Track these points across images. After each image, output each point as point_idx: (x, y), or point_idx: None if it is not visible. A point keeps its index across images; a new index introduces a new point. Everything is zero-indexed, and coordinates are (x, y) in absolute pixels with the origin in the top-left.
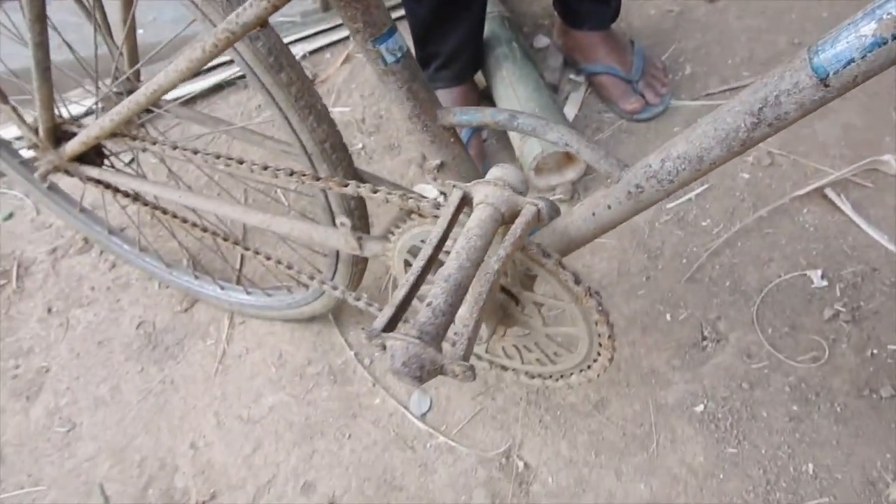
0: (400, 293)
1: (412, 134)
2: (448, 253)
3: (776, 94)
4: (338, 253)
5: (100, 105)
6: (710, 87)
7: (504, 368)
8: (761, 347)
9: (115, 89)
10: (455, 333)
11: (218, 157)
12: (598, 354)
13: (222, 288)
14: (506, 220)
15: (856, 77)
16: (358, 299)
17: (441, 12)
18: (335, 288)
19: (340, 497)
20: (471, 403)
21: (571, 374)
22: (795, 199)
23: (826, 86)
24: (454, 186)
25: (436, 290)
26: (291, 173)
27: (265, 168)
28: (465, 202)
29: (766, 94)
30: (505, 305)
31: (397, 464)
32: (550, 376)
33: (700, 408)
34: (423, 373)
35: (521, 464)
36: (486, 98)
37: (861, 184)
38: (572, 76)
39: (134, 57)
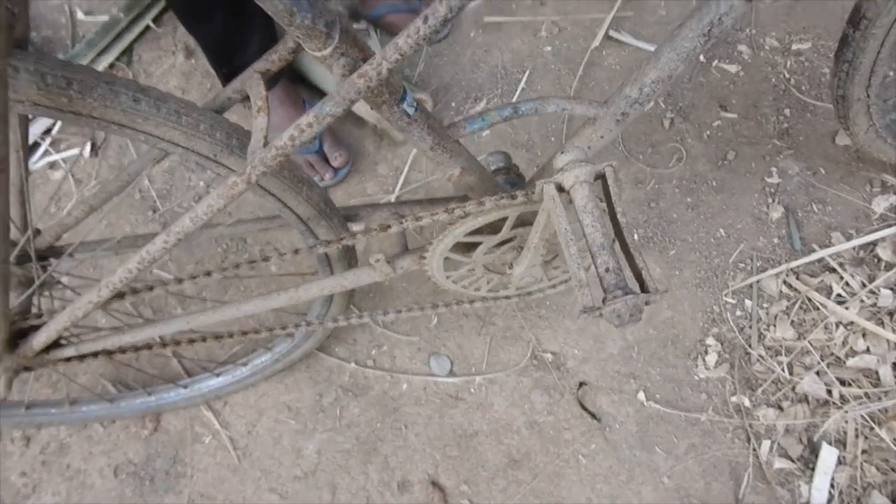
0: (581, 275)
1: (432, 161)
2: None
3: (719, 17)
4: None
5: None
6: None
7: (530, 293)
8: (644, 171)
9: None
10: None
11: (237, 266)
12: None
13: (185, 387)
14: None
15: None
16: (358, 317)
17: (235, 21)
18: (336, 320)
19: (435, 473)
20: (480, 339)
21: None
22: (595, 50)
23: (751, 0)
24: (545, 183)
25: (603, 258)
26: (315, 245)
27: (296, 251)
28: (560, 189)
29: (711, 19)
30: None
31: (459, 419)
32: (566, 280)
33: (636, 236)
34: (640, 312)
35: (548, 356)
36: (300, 80)
37: (626, 15)
38: (356, 26)
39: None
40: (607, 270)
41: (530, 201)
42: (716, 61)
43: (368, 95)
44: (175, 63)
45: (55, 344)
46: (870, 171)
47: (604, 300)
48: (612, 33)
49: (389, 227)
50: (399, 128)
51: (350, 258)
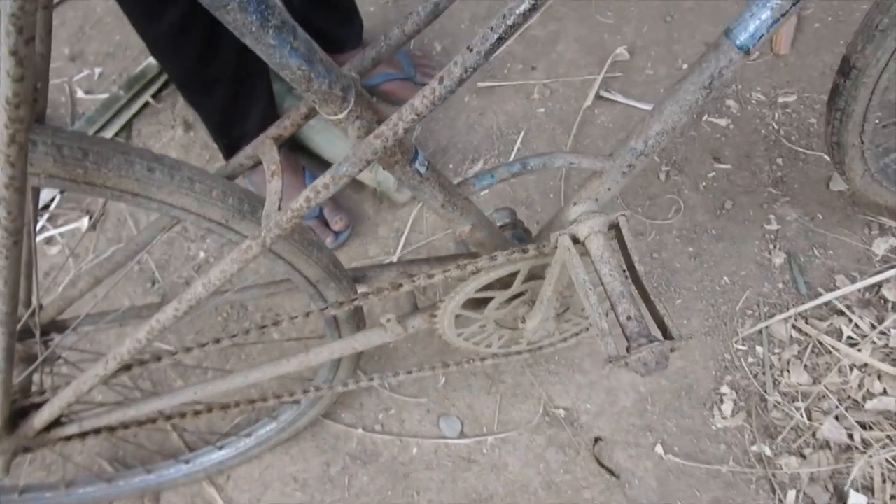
0: (604, 324)
1: (443, 218)
2: None
3: (719, 70)
4: None
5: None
6: None
7: (542, 348)
8: (643, 223)
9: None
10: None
11: (247, 331)
12: None
13: (187, 462)
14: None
15: (763, 42)
16: (370, 380)
17: (236, 94)
18: (345, 384)
19: None
20: (490, 398)
21: (588, 328)
22: (587, 110)
23: (748, 54)
24: (560, 235)
25: (624, 307)
26: (327, 307)
27: (307, 314)
28: (575, 241)
29: (711, 72)
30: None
31: (473, 482)
32: (578, 333)
33: None
34: (666, 359)
35: (561, 412)
36: (300, 149)
37: (615, 76)
38: None
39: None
40: (629, 318)
41: (542, 254)
42: (706, 116)
43: (383, 156)
44: (174, 136)
45: (56, 422)
46: (867, 215)
47: (628, 349)
48: (602, 93)
49: (401, 285)
50: (411, 187)
51: (358, 320)
